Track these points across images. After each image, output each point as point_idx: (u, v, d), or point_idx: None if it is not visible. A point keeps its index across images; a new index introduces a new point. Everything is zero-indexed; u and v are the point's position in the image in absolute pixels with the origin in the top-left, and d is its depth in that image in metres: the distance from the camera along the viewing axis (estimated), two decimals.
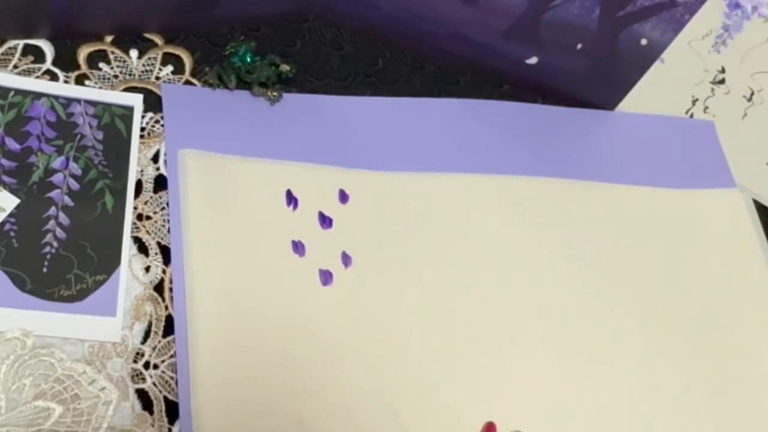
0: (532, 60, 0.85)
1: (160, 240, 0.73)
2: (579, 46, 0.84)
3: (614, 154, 0.86)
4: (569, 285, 0.76)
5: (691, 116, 0.89)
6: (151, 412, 0.67)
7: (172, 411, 0.67)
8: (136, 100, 0.77)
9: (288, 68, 0.81)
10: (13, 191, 0.71)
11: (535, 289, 0.76)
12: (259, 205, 0.75)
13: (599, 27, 0.82)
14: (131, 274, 0.71)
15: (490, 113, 0.85)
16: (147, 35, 0.81)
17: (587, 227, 0.81)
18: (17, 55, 0.78)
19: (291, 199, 0.76)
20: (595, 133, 0.88)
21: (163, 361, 0.68)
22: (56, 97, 0.75)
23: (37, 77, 0.77)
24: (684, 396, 0.73)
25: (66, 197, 0.72)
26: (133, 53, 0.80)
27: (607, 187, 0.84)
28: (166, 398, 0.67)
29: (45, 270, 0.69)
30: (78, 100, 0.76)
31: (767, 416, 0.74)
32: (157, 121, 0.77)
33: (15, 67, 0.77)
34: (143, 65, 0.80)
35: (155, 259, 0.72)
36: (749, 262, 0.82)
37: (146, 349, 0.68)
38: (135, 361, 0.68)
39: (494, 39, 0.84)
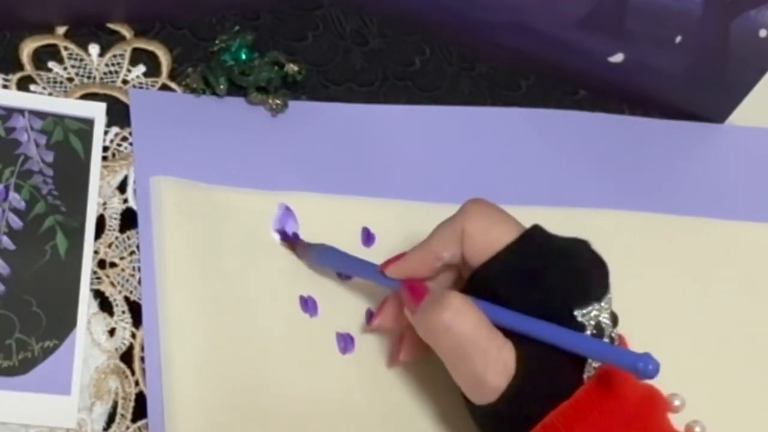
0: (617, 58, 0.86)
1: (128, 294, 0.73)
2: (678, 39, 0.84)
3: (725, 180, 0.87)
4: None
5: None
6: None
7: None
8: (96, 111, 0.78)
9: (295, 69, 0.82)
10: None
11: None
12: (256, 250, 0.75)
13: (704, 14, 0.82)
14: (91, 339, 0.71)
15: (561, 127, 0.86)
16: (111, 26, 0.82)
17: (691, 276, 0.81)
18: None
19: (299, 241, 0.76)
20: (699, 152, 0.88)
21: None
22: None
23: None
24: None
25: (5, 238, 0.72)
26: (93, 49, 0.81)
27: (716, 225, 0.84)
28: None
29: None
30: (21, 111, 0.77)
31: None
32: (124, 139, 0.78)
33: None
34: (106, 65, 0.81)
35: (122, 320, 0.72)
36: None
37: None
38: None
39: (567, 30, 0.85)
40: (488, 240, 0.67)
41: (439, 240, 0.69)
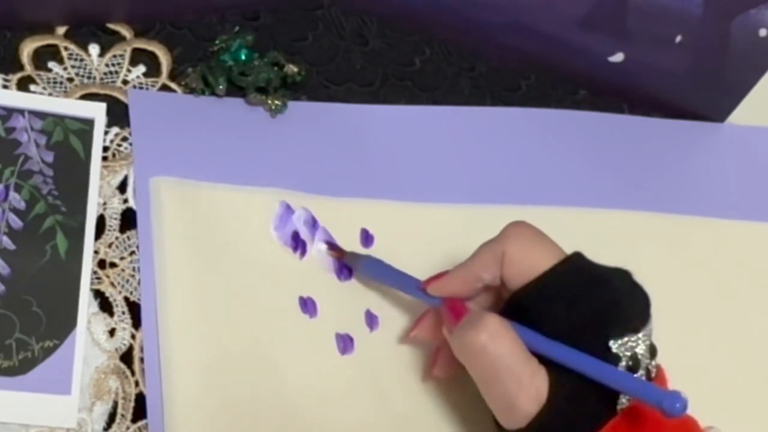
0: (617, 57, 0.86)
1: (128, 295, 0.73)
2: (678, 38, 0.84)
3: (725, 179, 0.87)
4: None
5: None
6: None
7: None
8: (96, 111, 0.78)
9: (295, 69, 0.82)
10: None
11: None
12: (255, 251, 0.76)
13: (704, 14, 0.82)
14: (91, 339, 0.71)
15: (561, 127, 0.86)
16: (111, 26, 0.82)
17: (689, 275, 0.81)
18: None
19: (298, 242, 0.76)
20: (699, 151, 0.88)
21: None
22: None
23: None
24: None
25: (5, 238, 0.73)
26: (93, 49, 0.81)
27: (716, 224, 0.84)
28: None
29: None
30: (21, 111, 0.77)
31: None
32: (124, 139, 0.78)
33: None
34: (106, 65, 0.81)
35: (122, 320, 0.73)
36: None
37: None
38: None
39: (567, 30, 0.85)
40: (528, 264, 0.67)
41: (480, 261, 0.69)
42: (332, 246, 0.76)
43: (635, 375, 0.64)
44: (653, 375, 0.65)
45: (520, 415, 0.64)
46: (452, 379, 0.72)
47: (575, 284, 0.66)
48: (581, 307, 0.65)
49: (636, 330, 0.64)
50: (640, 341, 0.64)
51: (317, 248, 0.76)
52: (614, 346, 0.64)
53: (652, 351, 0.65)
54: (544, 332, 0.65)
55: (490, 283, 0.69)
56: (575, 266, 0.67)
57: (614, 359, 0.63)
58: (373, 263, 0.75)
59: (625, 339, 0.64)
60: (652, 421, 0.62)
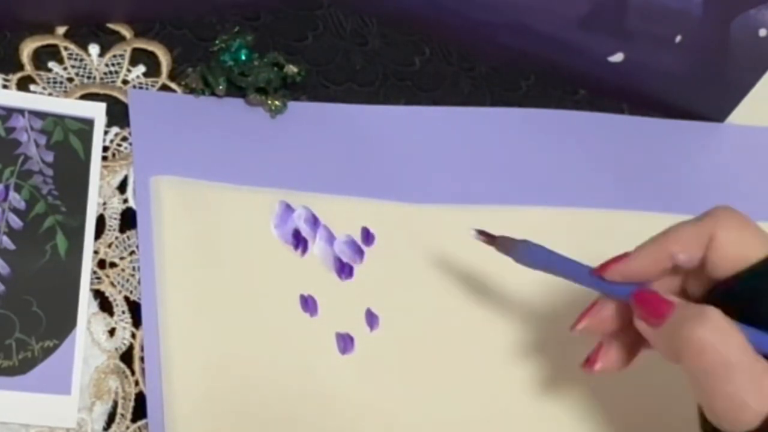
0: (617, 57, 0.86)
1: (128, 294, 0.73)
2: (678, 38, 0.84)
3: (725, 179, 0.87)
4: None
5: None
6: None
7: None
8: (96, 111, 0.78)
9: (295, 69, 0.82)
10: None
11: None
12: (255, 249, 0.76)
13: (704, 14, 0.83)
14: (91, 338, 0.72)
15: (561, 127, 0.86)
16: (111, 26, 0.82)
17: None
18: None
19: (299, 240, 0.77)
20: (699, 151, 0.88)
21: None
22: None
23: None
24: None
25: (5, 238, 0.73)
26: (93, 49, 0.81)
27: None
28: None
29: None
30: (21, 111, 0.77)
31: None
32: (124, 139, 0.78)
33: None
34: (106, 65, 0.81)
35: (122, 320, 0.73)
36: None
37: None
38: None
39: (567, 30, 0.85)
40: (740, 251, 0.63)
41: (679, 240, 0.64)
42: (481, 231, 0.70)
43: None
44: None
45: (750, 414, 0.59)
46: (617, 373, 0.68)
47: None
48: None
49: None
50: None
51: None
52: None
53: None
54: (762, 328, 0.61)
55: (683, 265, 0.64)
56: None
57: None
58: (536, 249, 0.68)
59: None
60: None
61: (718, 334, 0.59)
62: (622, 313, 0.65)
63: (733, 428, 0.59)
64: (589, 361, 0.67)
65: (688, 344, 0.60)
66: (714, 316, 0.60)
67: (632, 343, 0.66)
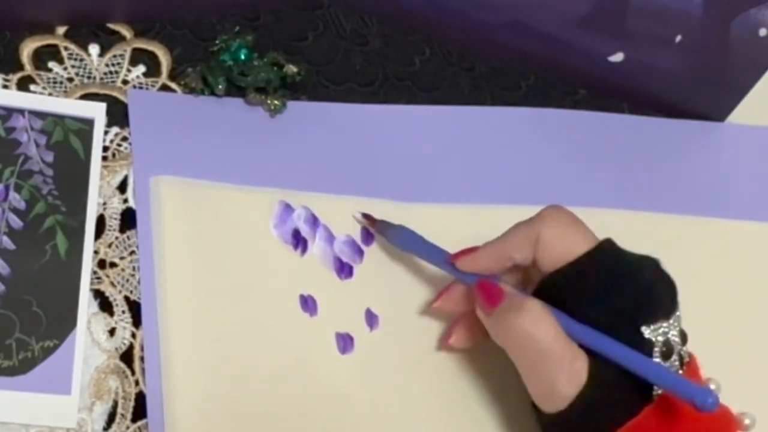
0: (617, 57, 0.86)
1: (128, 294, 0.73)
2: (678, 38, 0.84)
3: (725, 179, 0.87)
4: None
5: None
6: None
7: None
8: (96, 111, 0.78)
9: (295, 69, 0.82)
10: None
11: None
12: (255, 249, 0.76)
13: (704, 14, 0.83)
14: (91, 338, 0.72)
15: (561, 126, 0.86)
16: (111, 26, 0.82)
17: (689, 275, 0.81)
18: None
19: (299, 240, 0.77)
20: (699, 151, 0.88)
21: None
22: None
23: None
24: None
25: (5, 238, 0.73)
26: (94, 49, 0.81)
27: (715, 224, 0.84)
28: None
29: None
30: (21, 111, 0.77)
31: None
32: (124, 139, 0.78)
33: None
34: (106, 65, 0.81)
35: (122, 319, 0.73)
36: None
37: None
38: None
39: (567, 30, 0.85)
40: (563, 248, 0.68)
41: (513, 241, 0.70)
42: (365, 215, 0.77)
43: (669, 360, 0.65)
44: (686, 361, 0.66)
45: (560, 397, 0.65)
46: (471, 348, 0.74)
47: (609, 270, 0.67)
48: (615, 293, 0.66)
49: (666, 316, 0.65)
50: (671, 327, 0.65)
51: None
52: (647, 331, 0.65)
53: (683, 337, 0.66)
54: (578, 317, 0.66)
55: (520, 263, 0.70)
56: (608, 253, 0.68)
57: (648, 345, 0.65)
58: (404, 232, 0.75)
59: (658, 325, 0.65)
60: (681, 412, 0.63)
61: (534, 323, 0.66)
62: (471, 298, 0.71)
63: (548, 409, 0.66)
64: (444, 337, 0.74)
65: (509, 332, 0.66)
66: (532, 307, 0.66)
67: (481, 325, 0.70)
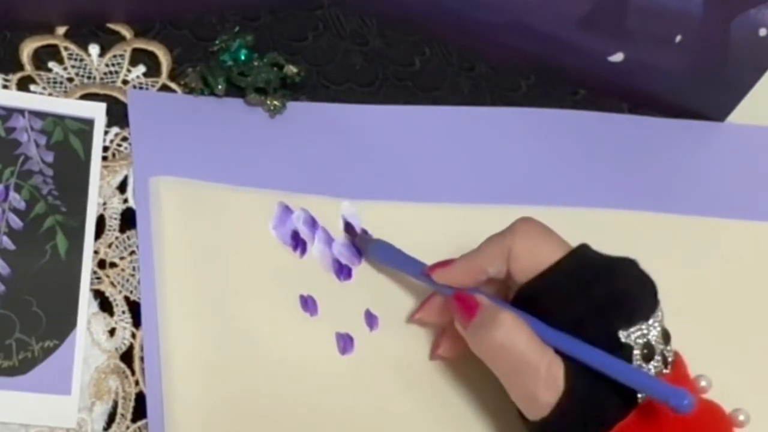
0: (617, 57, 0.86)
1: (128, 294, 0.73)
2: (678, 38, 0.84)
3: (725, 179, 0.87)
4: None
5: None
6: None
7: None
8: (96, 111, 0.78)
9: (295, 70, 0.82)
10: None
11: None
12: (255, 249, 0.76)
13: (704, 14, 0.83)
14: (91, 339, 0.72)
15: (560, 126, 0.86)
16: (111, 26, 0.83)
17: (689, 275, 0.81)
18: None
19: (298, 241, 0.77)
20: (699, 151, 0.88)
21: None
22: None
23: None
24: None
25: (5, 238, 0.73)
26: (93, 49, 0.81)
27: (715, 224, 0.84)
28: None
29: None
30: (21, 111, 0.77)
31: None
32: (124, 139, 0.78)
33: None
34: (106, 65, 0.81)
35: (122, 320, 0.73)
36: None
37: None
38: None
39: (567, 30, 0.85)
40: (535, 259, 0.68)
41: (486, 255, 0.70)
42: (348, 227, 0.77)
43: (652, 361, 0.65)
44: (670, 360, 0.66)
45: (540, 405, 0.65)
46: (459, 359, 0.74)
47: (581, 276, 0.67)
48: (588, 298, 0.66)
49: (646, 317, 0.65)
50: (651, 328, 0.65)
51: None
52: (623, 336, 0.64)
53: (666, 336, 0.66)
54: (554, 325, 0.66)
55: (495, 277, 0.70)
56: (581, 258, 0.68)
57: (626, 349, 0.64)
58: (383, 246, 0.76)
59: (636, 327, 0.65)
60: (666, 414, 0.63)
61: (507, 334, 0.66)
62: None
63: (532, 417, 0.66)
64: (433, 347, 0.75)
65: (484, 344, 0.67)
66: (504, 319, 0.66)
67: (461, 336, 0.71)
